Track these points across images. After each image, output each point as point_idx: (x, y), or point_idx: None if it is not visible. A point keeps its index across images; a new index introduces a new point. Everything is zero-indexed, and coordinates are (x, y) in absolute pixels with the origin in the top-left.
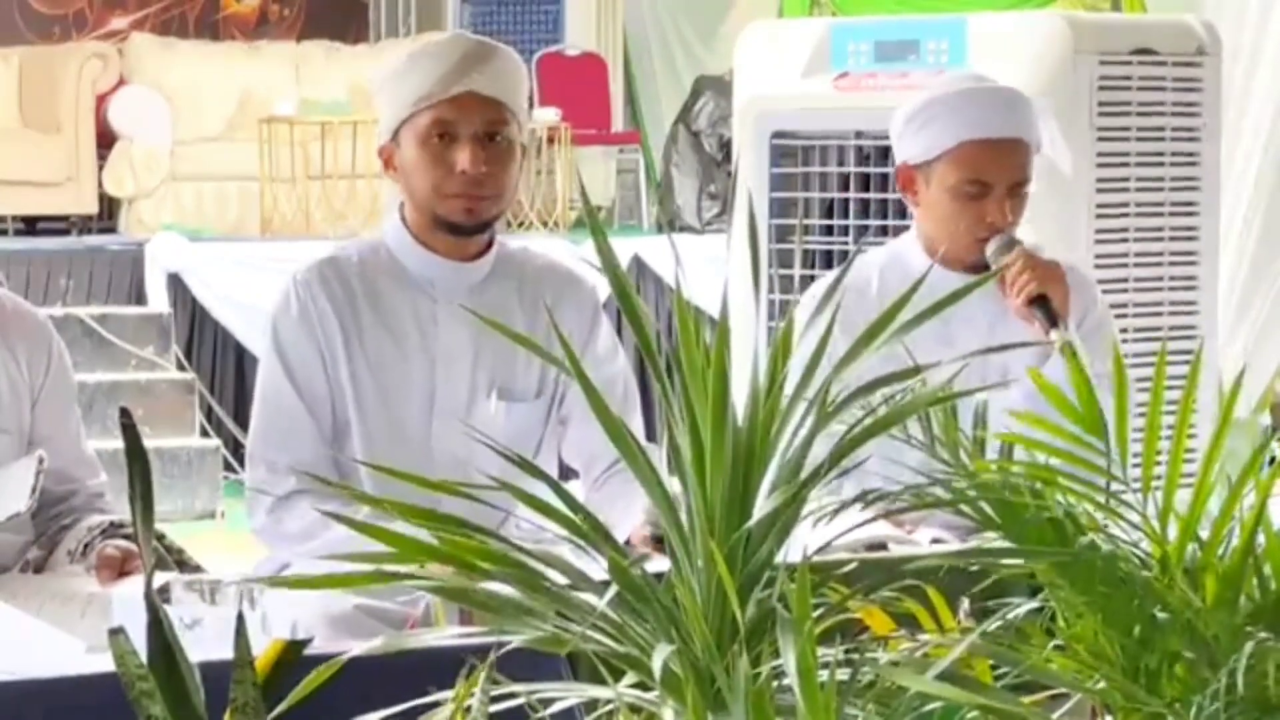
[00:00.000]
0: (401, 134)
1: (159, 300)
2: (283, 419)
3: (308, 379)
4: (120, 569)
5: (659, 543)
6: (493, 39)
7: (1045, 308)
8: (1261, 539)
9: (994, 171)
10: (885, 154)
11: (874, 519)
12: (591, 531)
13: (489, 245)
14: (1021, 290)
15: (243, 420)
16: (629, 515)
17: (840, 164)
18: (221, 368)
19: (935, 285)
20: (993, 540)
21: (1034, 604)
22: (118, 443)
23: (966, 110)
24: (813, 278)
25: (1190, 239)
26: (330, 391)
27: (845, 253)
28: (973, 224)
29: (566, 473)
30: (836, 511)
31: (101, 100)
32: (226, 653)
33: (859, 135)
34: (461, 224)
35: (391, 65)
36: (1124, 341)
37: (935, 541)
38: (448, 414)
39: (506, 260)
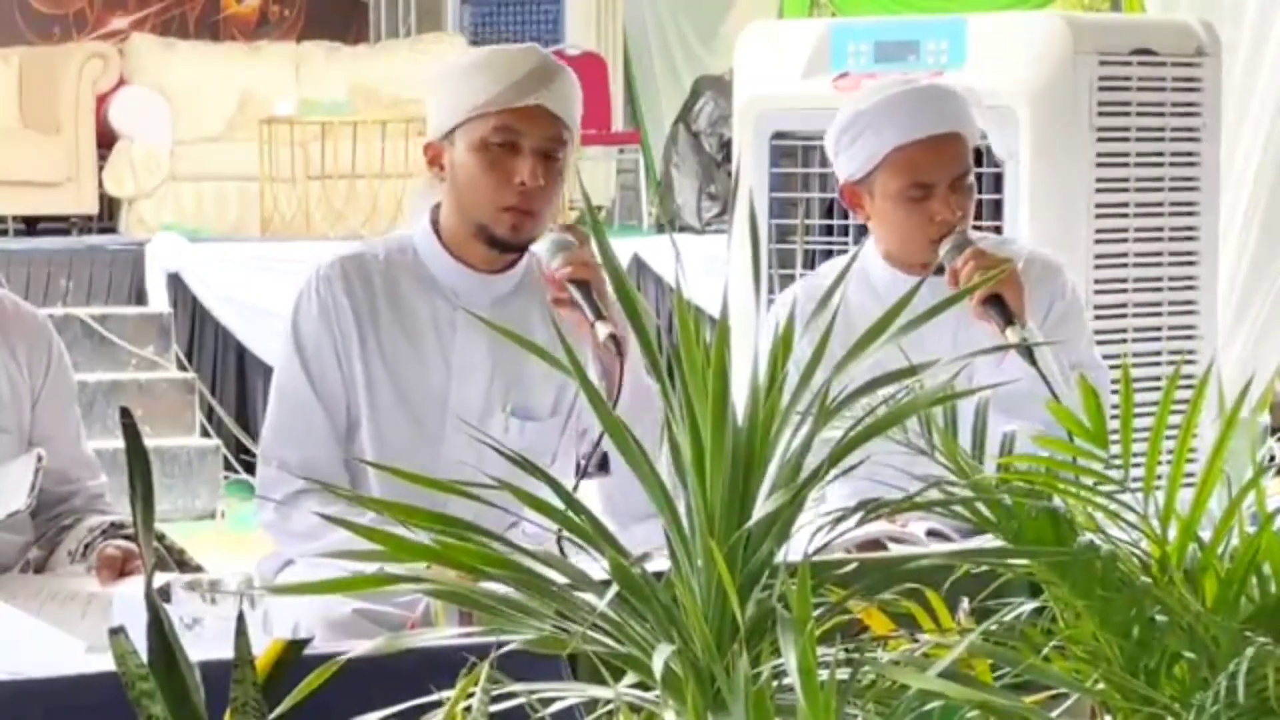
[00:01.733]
0: (458, 135)
1: (159, 300)
2: (297, 415)
3: (323, 375)
4: (120, 569)
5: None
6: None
7: (999, 307)
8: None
9: (933, 170)
10: None
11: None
12: (592, 532)
13: (517, 260)
14: (971, 285)
15: (243, 420)
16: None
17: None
18: (221, 368)
19: (894, 291)
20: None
21: (1034, 604)
22: (118, 443)
23: (893, 116)
24: None
25: (1190, 239)
26: (345, 388)
27: (845, 253)
28: (923, 225)
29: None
30: (837, 521)
31: (101, 100)
32: (226, 653)
33: None
34: (505, 240)
35: (456, 64)
36: (1124, 341)
37: (931, 533)
38: (459, 424)
39: (534, 275)
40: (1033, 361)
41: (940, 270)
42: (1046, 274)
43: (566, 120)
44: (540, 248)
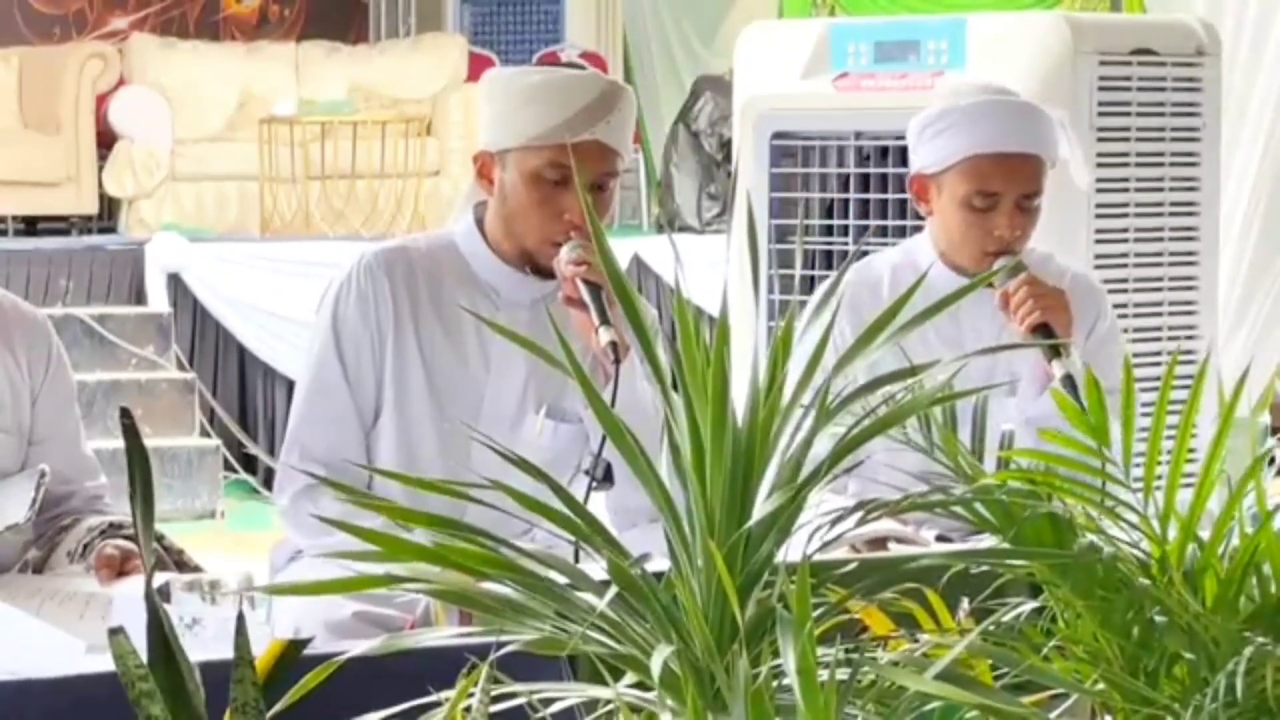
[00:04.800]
0: (509, 158)
1: (159, 300)
2: (325, 402)
3: (357, 364)
4: (119, 569)
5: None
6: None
7: (1046, 335)
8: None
9: (1001, 183)
10: (885, 154)
11: (877, 517)
12: (590, 532)
13: None
14: (1024, 318)
15: (243, 420)
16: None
17: (840, 164)
18: (222, 368)
19: (945, 289)
20: (991, 541)
21: (1034, 604)
22: (118, 443)
23: (979, 123)
24: (813, 278)
25: (1190, 239)
26: (375, 379)
27: (845, 253)
28: (981, 236)
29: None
30: (836, 521)
31: (101, 100)
32: (226, 653)
33: (859, 136)
34: (549, 269)
35: (512, 82)
36: (1124, 342)
37: (940, 538)
38: (492, 423)
39: None
40: (1076, 395)
41: (990, 284)
42: (1089, 295)
43: (620, 150)
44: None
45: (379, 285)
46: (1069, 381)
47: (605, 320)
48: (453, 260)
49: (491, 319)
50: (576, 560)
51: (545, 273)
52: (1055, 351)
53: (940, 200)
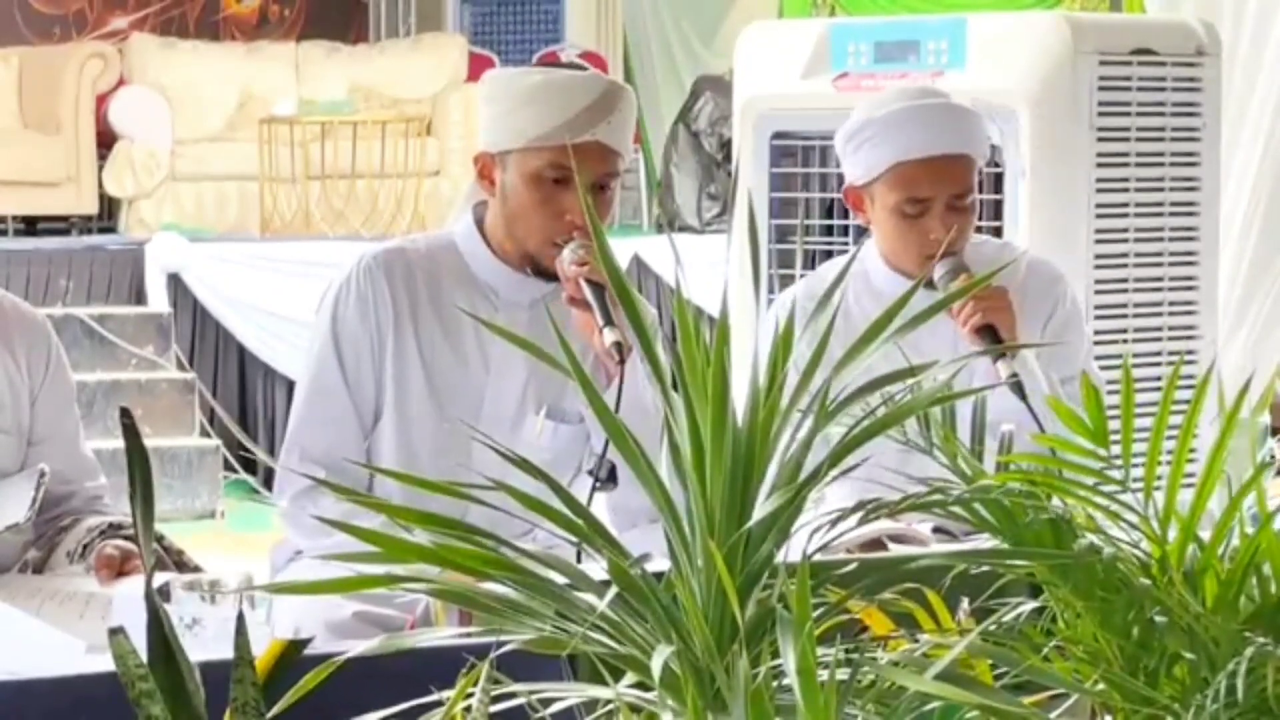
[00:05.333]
0: (510, 159)
1: (159, 300)
2: (325, 404)
3: (357, 365)
4: (119, 569)
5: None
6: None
7: (992, 337)
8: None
9: (930, 188)
10: None
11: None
12: (592, 533)
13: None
14: (967, 320)
15: (243, 420)
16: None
17: (840, 164)
18: (222, 368)
19: (895, 293)
20: (991, 541)
21: (1034, 604)
22: (118, 443)
23: (900, 131)
24: None
25: (1190, 239)
26: (375, 380)
27: (845, 253)
28: (916, 241)
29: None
30: (836, 521)
31: (101, 100)
32: (226, 653)
33: None
34: (552, 270)
35: (512, 82)
36: (1124, 342)
37: (938, 530)
38: (492, 424)
39: None
40: (1022, 396)
41: (933, 287)
42: (1047, 283)
43: (621, 150)
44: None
45: (378, 287)
46: (1016, 384)
47: (609, 320)
48: (452, 261)
49: (491, 320)
50: (579, 560)
51: (546, 273)
52: (1000, 353)
53: (874, 210)
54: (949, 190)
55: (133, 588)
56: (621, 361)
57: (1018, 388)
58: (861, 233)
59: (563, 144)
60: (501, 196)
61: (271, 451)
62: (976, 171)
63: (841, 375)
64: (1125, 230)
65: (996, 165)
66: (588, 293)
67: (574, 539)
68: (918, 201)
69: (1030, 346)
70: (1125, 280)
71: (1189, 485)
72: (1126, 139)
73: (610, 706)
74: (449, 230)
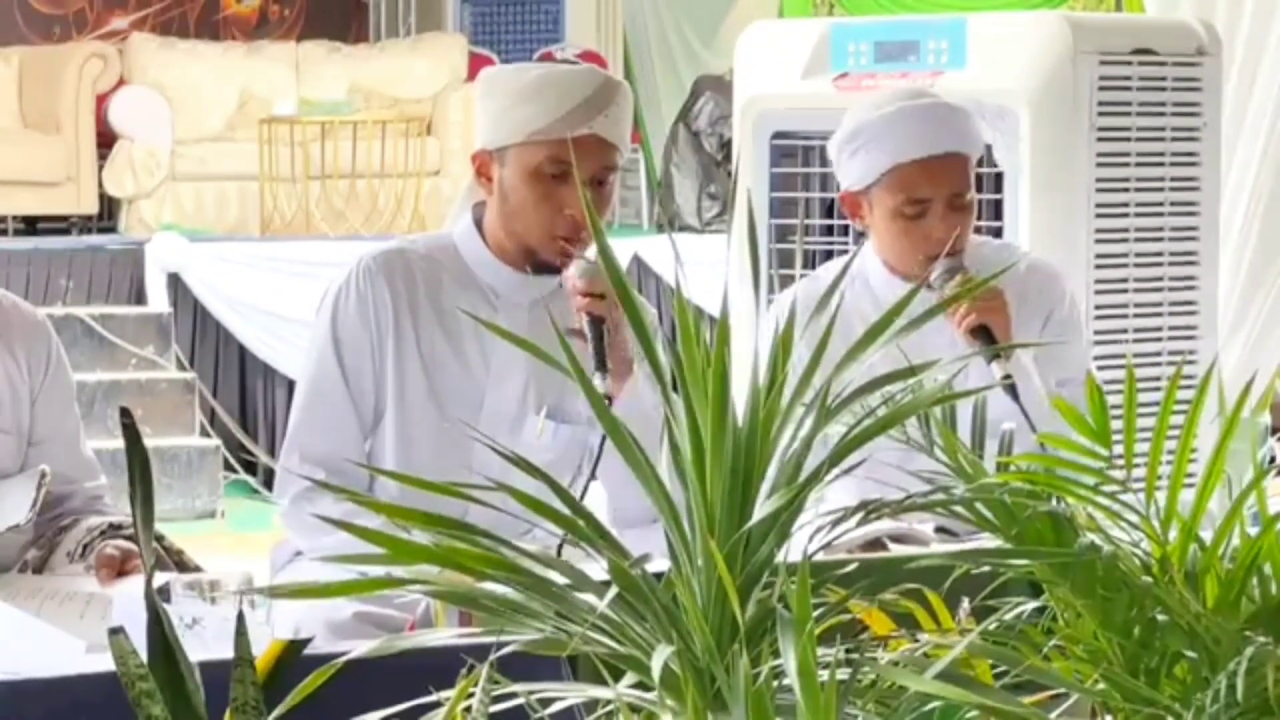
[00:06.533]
0: (508, 155)
1: (159, 300)
2: (325, 406)
3: (357, 367)
4: (119, 569)
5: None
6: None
7: (986, 338)
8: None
9: (929, 188)
10: None
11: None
12: (591, 533)
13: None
14: (962, 321)
15: (243, 420)
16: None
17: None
18: (222, 368)
19: (893, 296)
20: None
21: (1034, 604)
22: (118, 443)
23: (896, 132)
24: None
25: (1190, 239)
26: (375, 382)
27: (845, 253)
28: (918, 242)
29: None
30: (837, 522)
31: (101, 100)
32: (226, 653)
33: None
34: (553, 264)
35: (510, 79)
36: (1124, 342)
37: (939, 530)
38: (492, 425)
39: None
40: (1015, 397)
41: (930, 287)
42: (1045, 283)
43: (619, 144)
44: (574, 263)
45: (378, 288)
46: (1009, 385)
47: (602, 365)
48: (451, 262)
49: (491, 320)
50: (560, 553)
51: (547, 268)
52: (995, 354)
53: (873, 215)
54: (947, 190)
55: (133, 588)
56: (1014, 392)
57: (1011, 389)
58: (862, 234)
59: (561, 138)
60: (500, 194)
61: (271, 452)
62: (973, 169)
63: (841, 376)
64: (1125, 230)
65: (995, 164)
66: (586, 329)
67: (573, 538)
68: (917, 202)
69: (1022, 346)
70: (1125, 280)
71: (1189, 485)
72: (1126, 139)
73: (610, 707)
74: (448, 231)
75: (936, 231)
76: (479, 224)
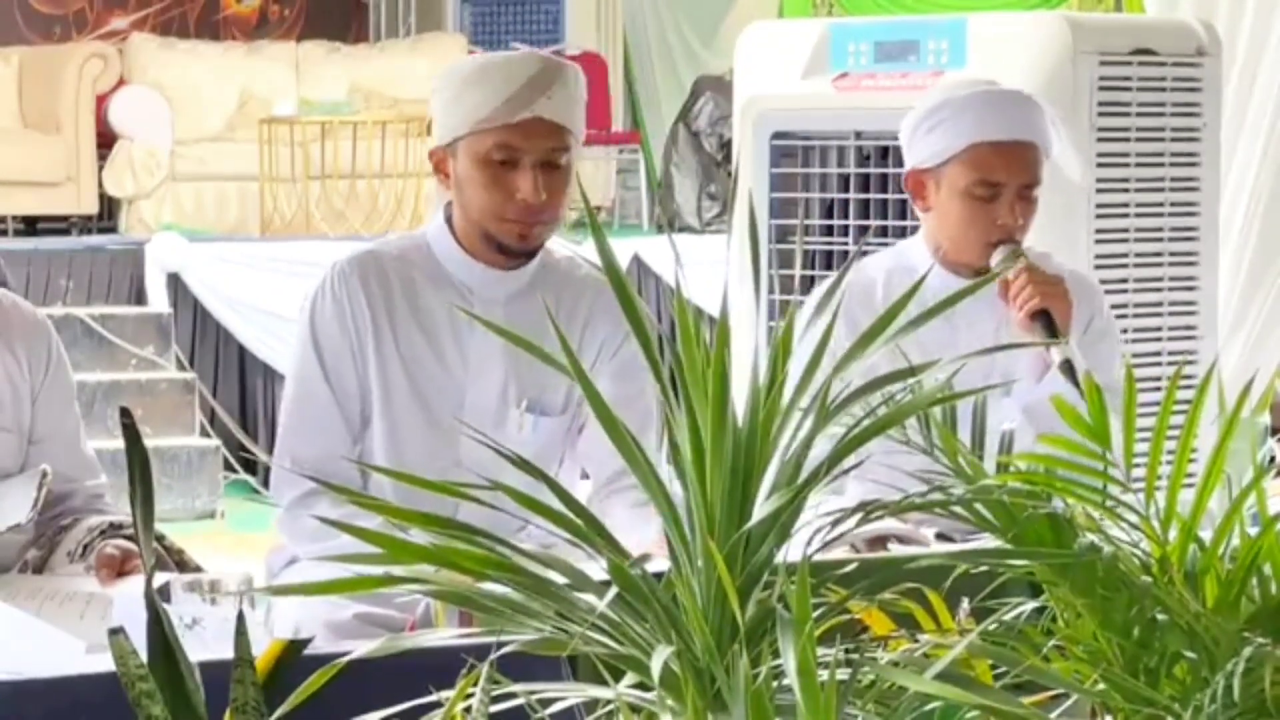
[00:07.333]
0: (459, 148)
1: (159, 300)
2: (311, 411)
3: (339, 371)
4: (120, 569)
5: None
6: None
7: (1046, 322)
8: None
9: (1004, 172)
10: (885, 154)
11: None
12: (591, 533)
13: (532, 254)
14: (1024, 304)
15: (243, 420)
16: (636, 525)
17: (840, 164)
18: (222, 368)
19: (940, 290)
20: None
21: (1034, 604)
22: (118, 443)
23: (977, 112)
24: (813, 278)
25: (1190, 239)
26: (360, 385)
27: (845, 253)
28: (984, 227)
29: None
30: (836, 522)
31: (101, 100)
32: (226, 653)
33: (859, 136)
34: (514, 247)
35: (456, 71)
36: (1124, 341)
37: (940, 536)
38: (476, 420)
39: (550, 270)
40: (1074, 380)
41: (984, 271)
42: (1085, 292)
43: (568, 125)
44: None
45: (353, 292)
46: (1068, 366)
47: (1054, 339)
48: (425, 261)
49: (466, 317)
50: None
51: (511, 254)
52: (1053, 337)
53: (939, 195)
54: (1020, 179)
55: (133, 588)
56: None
57: (1069, 370)
58: (862, 233)
59: (505, 124)
60: (457, 187)
61: (271, 452)
62: (1043, 165)
63: (874, 365)
64: (1125, 230)
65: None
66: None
67: (573, 537)
68: (990, 185)
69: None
70: (1125, 280)
71: (1189, 485)
72: (1126, 139)
73: (610, 707)
74: (421, 230)
75: (1003, 218)
76: (450, 221)
